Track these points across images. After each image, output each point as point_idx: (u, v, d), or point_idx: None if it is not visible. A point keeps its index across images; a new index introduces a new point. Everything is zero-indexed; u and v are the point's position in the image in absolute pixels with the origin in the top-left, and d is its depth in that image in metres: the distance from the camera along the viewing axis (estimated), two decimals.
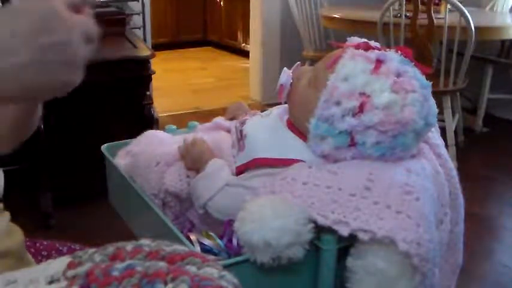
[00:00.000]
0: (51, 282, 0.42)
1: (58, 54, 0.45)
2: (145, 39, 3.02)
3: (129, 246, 0.45)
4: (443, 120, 2.71)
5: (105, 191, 0.95)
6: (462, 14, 2.52)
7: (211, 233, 0.71)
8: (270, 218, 0.59)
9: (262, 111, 0.85)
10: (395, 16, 2.72)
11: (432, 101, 0.68)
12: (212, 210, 0.74)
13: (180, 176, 0.78)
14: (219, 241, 0.70)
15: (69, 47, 0.46)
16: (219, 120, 0.90)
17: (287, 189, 0.63)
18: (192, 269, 0.43)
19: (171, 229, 0.67)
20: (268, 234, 0.58)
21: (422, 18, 2.63)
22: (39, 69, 0.45)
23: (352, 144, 0.66)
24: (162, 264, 0.42)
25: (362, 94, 0.65)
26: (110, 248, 0.45)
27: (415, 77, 0.66)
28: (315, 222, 0.60)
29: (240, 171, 0.76)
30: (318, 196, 0.62)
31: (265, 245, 0.58)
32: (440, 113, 2.38)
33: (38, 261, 0.76)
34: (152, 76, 2.19)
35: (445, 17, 2.57)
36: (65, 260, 0.44)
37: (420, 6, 2.61)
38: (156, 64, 2.28)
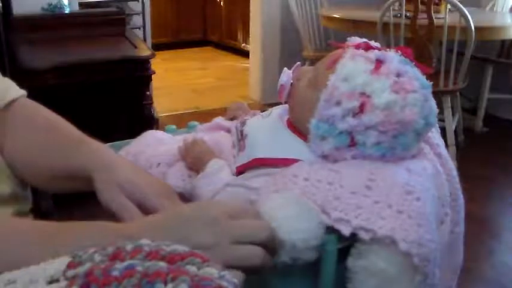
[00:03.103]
0: (51, 282, 0.42)
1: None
2: (145, 39, 3.03)
3: (129, 246, 0.45)
4: (443, 120, 2.71)
5: None
6: (462, 14, 2.52)
7: None
8: (293, 219, 0.58)
9: (262, 111, 0.85)
10: (395, 16, 2.72)
11: (432, 101, 0.68)
12: None
13: (183, 176, 0.78)
14: None
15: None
16: (219, 120, 0.90)
17: (290, 187, 0.63)
18: (192, 269, 0.43)
19: None
20: (293, 235, 0.57)
21: (422, 18, 2.63)
22: None
23: (353, 144, 0.66)
24: (162, 264, 0.42)
25: (362, 94, 0.65)
26: (110, 248, 0.45)
27: (415, 77, 0.66)
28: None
29: (240, 171, 0.76)
30: (320, 193, 0.62)
31: (291, 246, 0.57)
32: (440, 113, 2.39)
33: None
34: (152, 76, 2.19)
35: (445, 17, 2.58)
36: (65, 260, 0.44)
37: (420, 6, 2.61)
38: (156, 64, 2.29)
